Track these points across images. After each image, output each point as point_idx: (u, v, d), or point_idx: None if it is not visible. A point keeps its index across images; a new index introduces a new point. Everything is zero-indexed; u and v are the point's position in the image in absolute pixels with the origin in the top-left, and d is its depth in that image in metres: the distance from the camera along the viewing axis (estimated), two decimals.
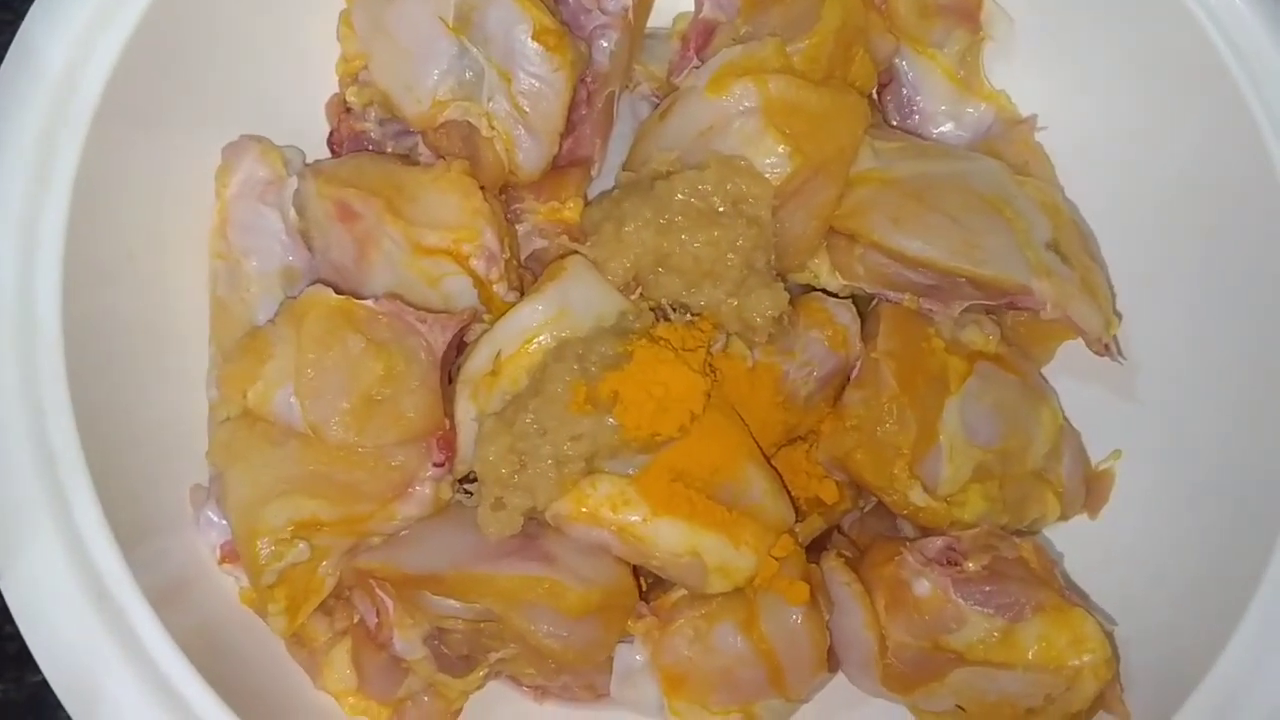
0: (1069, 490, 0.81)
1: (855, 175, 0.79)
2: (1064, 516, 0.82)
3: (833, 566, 0.74)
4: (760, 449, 0.73)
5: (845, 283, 0.79)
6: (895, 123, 0.89)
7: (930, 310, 0.78)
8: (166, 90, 0.77)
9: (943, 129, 0.89)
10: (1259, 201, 0.79)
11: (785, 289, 0.74)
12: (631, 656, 0.73)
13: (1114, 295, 0.81)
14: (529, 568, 0.69)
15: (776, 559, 0.72)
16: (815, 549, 0.78)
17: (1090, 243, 0.82)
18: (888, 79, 0.89)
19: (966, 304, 0.78)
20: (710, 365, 0.71)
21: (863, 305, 0.80)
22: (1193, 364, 0.82)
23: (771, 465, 0.74)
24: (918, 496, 0.75)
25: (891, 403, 0.75)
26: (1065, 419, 0.82)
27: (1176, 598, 0.77)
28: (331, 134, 0.86)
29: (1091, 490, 0.83)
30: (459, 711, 0.75)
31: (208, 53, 0.80)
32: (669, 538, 0.69)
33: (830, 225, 0.78)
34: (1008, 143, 0.87)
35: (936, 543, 0.73)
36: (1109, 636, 0.71)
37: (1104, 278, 0.80)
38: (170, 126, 0.78)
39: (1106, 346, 0.78)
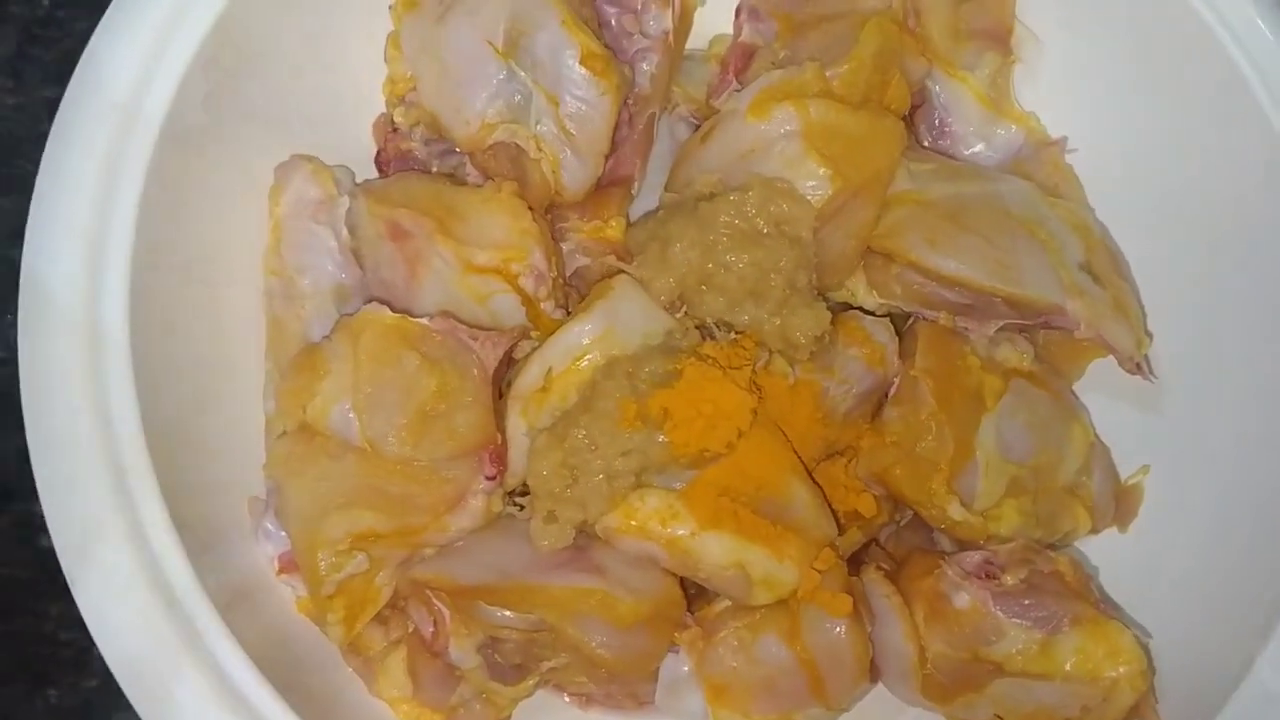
0: (1099, 504, 0.83)
1: (892, 196, 0.81)
2: (1094, 530, 0.83)
3: (873, 579, 0.76)
4: (804, 464, 0.75)
5: (882, 301, 0.81)
6: (927, 144, 0.91)
7: (965, 329, 0.80)
8: (225, 112, 0.79)
9: (974, 150, 0.90)
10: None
11: (827, 308, 0.76)
12: (677, 666, 0.75)
13: (1144, 315, 0.83)
14: (580, 579, 0.71)
15: (819, 571, 0.74)
16: (854, 562, 0.80)
17: (1120, 263, 0.84)
18: (920, 101, 0.91)
19: (1001, 323, 0.80)
20: (755, 383, 0.73)
21: (899, 323, 0.82)
22: (1217, 380, 0.84)
23: (814, 480, 0.76)
24: (955, 511, 0.76)
25: (930, 419, 0.77)
26: (1096, 435, 0.84)
27: (1207, 609, 0.79)
28: (379, 153, 0.88)
29: (1121, 504, 0.85)
30: (508, 718, 0.77)
31: (264, 75, 0.82)
32: (715, 551, 0.71)
33: (868, 245, 0.80)
34: (1038, 164, 0.89)
35: (974, 556, 0.75)
36: (1144, 648, 0.73)
37: (1135, 297, 0.82)
38: (228, 146, 0.80)
39: (1138, 365, 0.80)
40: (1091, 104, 0.90)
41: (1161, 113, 0.87)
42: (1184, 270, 0.86)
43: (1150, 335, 0.82)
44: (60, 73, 0.88)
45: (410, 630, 0.74)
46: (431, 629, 0.72)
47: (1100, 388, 0.87)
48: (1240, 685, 0.73)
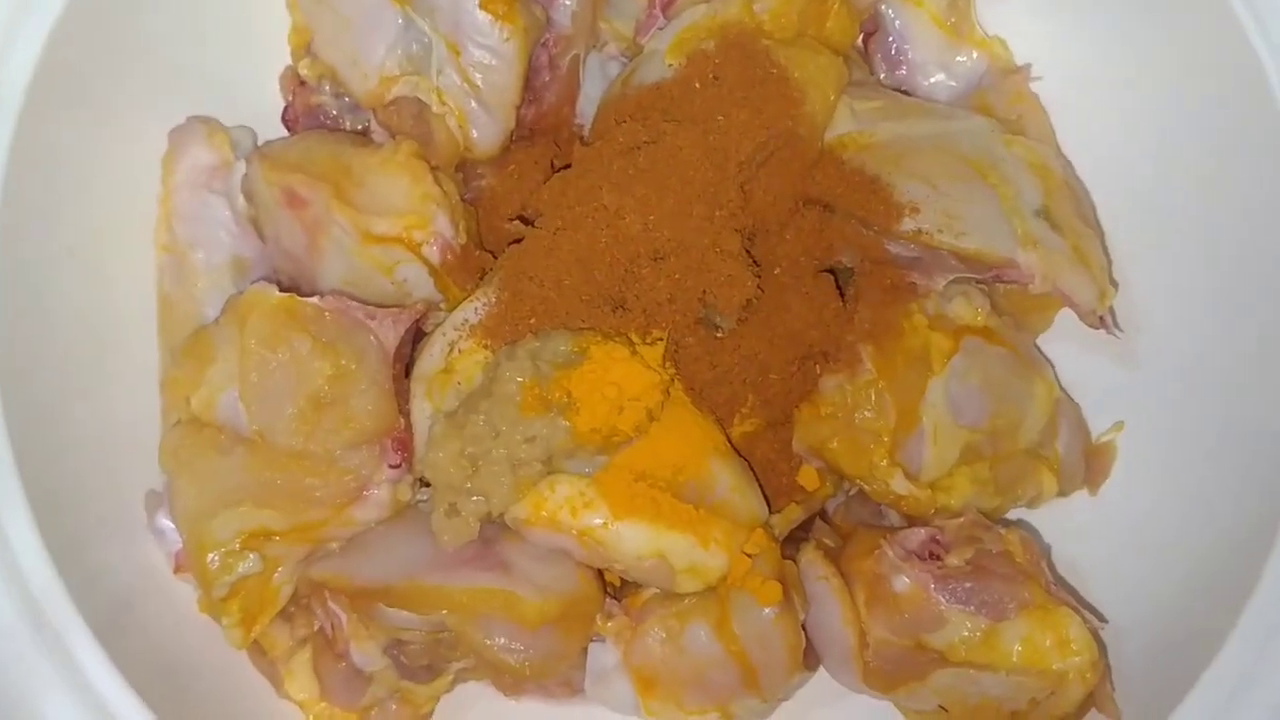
0: (1067, 466, 0.77)
1: (834, 139, 0.75)
2: (1062, 493, 0.77)
3: (810, 560, 0.71)
4: (729, 442, 0.69)
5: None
6: (883, 73, 0.83)
7: (914, 283, 0.74)
8: (103, 72, 0.74)
9: (934, 79, 0.83)
10: (1263, 148, 0.73)
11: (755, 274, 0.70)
12: (603, 656, 0.71)
13: (1110, 263, 0.76)
14: (484, 578, 0.66)
15: (749, 555, 0.69)
16: (798, 538, 0.75)
17: (1084, 206, 0.76)
18: (873, 28, 0.83)
19: (952, 276, 0.73)
20: (669, 360, 0.68)
21: (843, 280, 0.76)
22: (1198, 327, 0.78)
23: (742, 457, 0.70)
24: (899, 485, 0.71)
25: (869, 387, 0.70)
26: (1062, 391, 0.78)
27: (1179, 581, 0.74)
28: (286, 109, 0.82)
29: (1091, 465, 0.79)
30: (429, 714, 0.73)
31: (149, 29, 0.76)
32: (632, 541, 0.66)
33: (806, 193, 0.74)
34: (1000, 94, 0.81)
35: (919, 534, 0.70)
36: (1096, 637, 0.67)
37: (1099, 245, 0.75)
38: (111, 112, 0.75)
39: (1101, 319, 0.73)
40: (1071, 24, 0.82)
41: (1142, 36, 0.79)
42: (1162, 209, 0.79)
43: (1115, 285, 0.75)
44: None
45: (316, 629, 0.70)
46: (332, 631, 0.68)
47: (1070, 338, 0.80)
48: (1213, 661, 0.68)
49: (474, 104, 0.74)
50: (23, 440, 0.64)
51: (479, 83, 0.74)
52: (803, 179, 0.73)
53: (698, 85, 0.72)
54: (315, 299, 0.69)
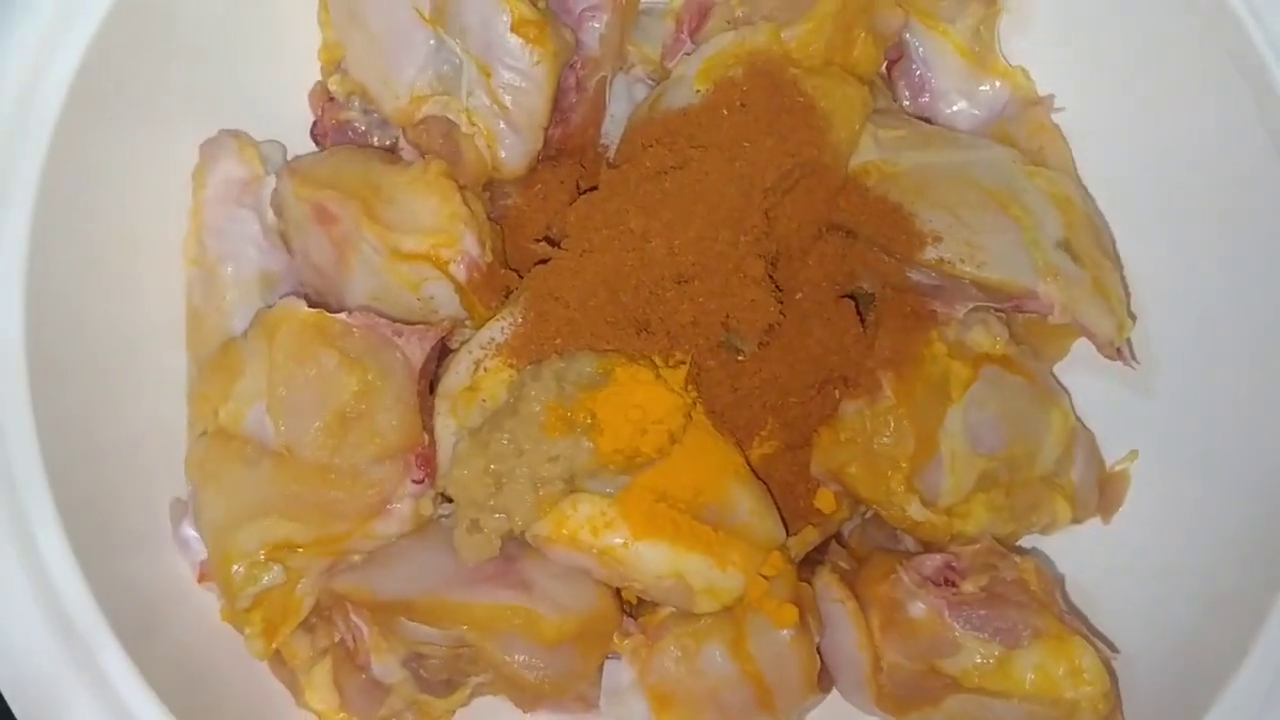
0: (1081, 494, 0.77)
1: (857, 167, 0.76)
2: (1076, 520, 0.78)
3: (826, 583, 0.72)
4: (748, 466, 0.70)
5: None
6: (907, 101, 0.84)
7: (934, 311, 0.74)
8: (138, 85, 0.74)
9: (956, 107, 0.84)
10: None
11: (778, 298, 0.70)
12: (619, 674, 0.71)
13: (1128, 295, 0.76)
14: (504, 595, 0.67)
15: (766, 577, 0.69)
16: (813, 561, 0.75)
17: (1105, 238, 0.77)
18: (897, 55, 0.84)
19: (972, 305, 0.74)
20: (692, 383, 0.68)
21: (865, 306, 0.76)
22: (1213, 358, 0.78)
23: (760, 480, 0.71)
24: (916, 511, 0.72)
25: (888, 414, 0.71)
26: (1078, 419, 0.78)
27: (1192, 609, 0.74)
28: (315, 124, 0.83)
29: (1105, 494, 0.79)
30: None
31: (182, 43, 0.77)
32: (651, 561, 0.67)
33: (830, 220, 0.75)
34: (1022, 124, 0.82)
35: (934, 560, 0.70)
36: (1108, 666, 0.68)
37: (1118, 277, 0.76)
38: (144, 124, 0.75)
39: (1119, 351, 0.74)
40: (1089, 56, 0.82)
41: (1164, 70, 0.79)
42: (1181, 242, 0.79)
43: (1134, 317, 0.76)
44: None
45: (336, 640, 0.71)
46: (352, 643, 0.68)
47: (1086, 367, 0.80)
48: (1225, 691, 0.68)
49: (503, 125, 0.75)
50: (53, 449, 0.65)
51: (508, 104, 0.75)
52: (827, 206, 0.73)
53: (725, 112, 0.72)
54: (343, 315, 0.70)
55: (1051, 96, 0.82)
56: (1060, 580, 0.77)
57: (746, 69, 0.73)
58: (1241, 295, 0.77)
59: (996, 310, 0.76)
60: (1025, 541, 0.79)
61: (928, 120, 0.83)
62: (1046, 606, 0.69)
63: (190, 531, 0.72)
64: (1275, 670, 0.68)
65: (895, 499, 0.71)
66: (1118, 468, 0.80)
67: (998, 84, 0.83)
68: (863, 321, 0.75)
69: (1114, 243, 0.78)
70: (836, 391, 0.73)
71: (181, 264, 0.76)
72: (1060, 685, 0.67)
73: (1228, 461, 0.76)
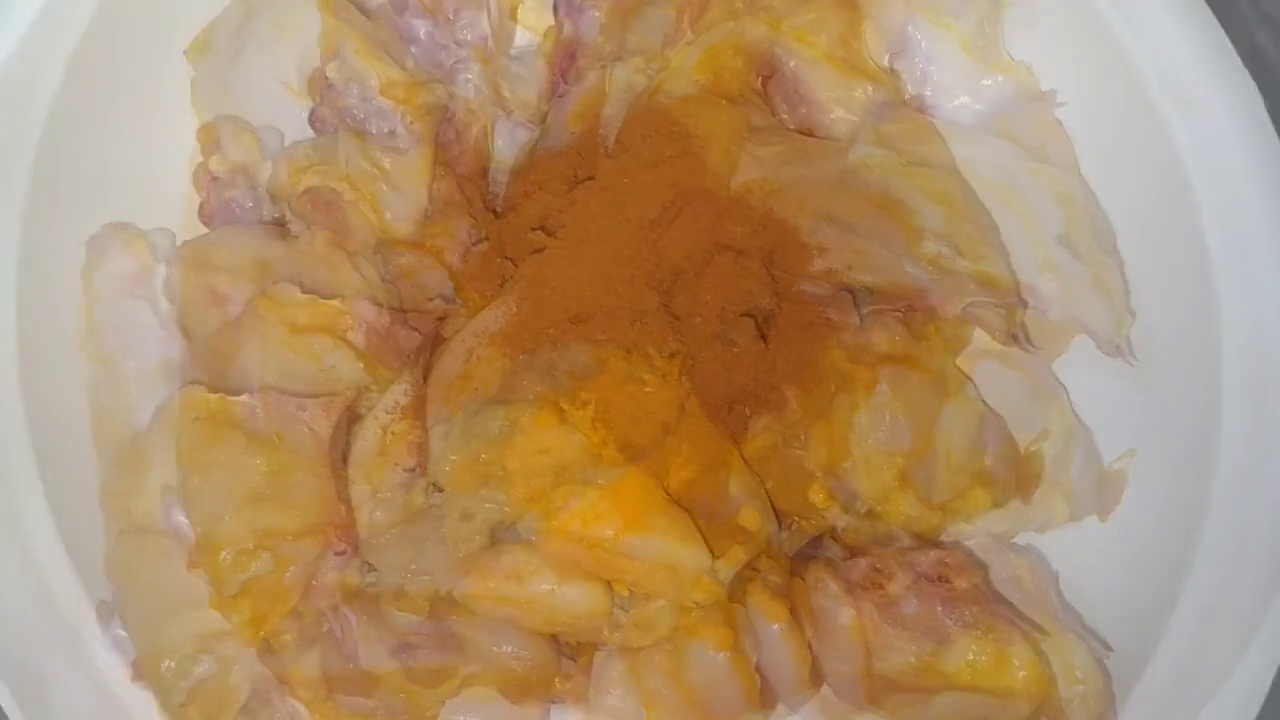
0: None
1: (739, 187, 0.76)
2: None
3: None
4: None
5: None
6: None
7: (830, 319, 0.75)
8: (20, 181, 0.74)
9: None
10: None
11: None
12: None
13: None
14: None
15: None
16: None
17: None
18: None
19: (868, 310, 0.75)
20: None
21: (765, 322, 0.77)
22: (1214, 358, 0.75)
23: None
24: (836, 518, 0.72)
25: (796, 427, 0.72)
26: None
27: (1187, 609, 0.73)
28: (201, 206, 0.83)
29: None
30: (434, 718, 0.72)
31: (61, 142, 0.76)
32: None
33: (719, 243, 0.75)
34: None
35: (860, 565, 0.71)
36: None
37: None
38: (26, 221, 0.75)
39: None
40: (1096, 52, 0.80)
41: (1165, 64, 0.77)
42: (1182, 239, 0.77)
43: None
44: None
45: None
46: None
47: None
48: (1220, 690, 0.69)
49: (384, 187, 0.76)
50: (42, 435, 0.68)
51: (387, 166, 0.75)
52: (714, 229, 0.74)
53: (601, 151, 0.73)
54: (245, 396, 0.70)
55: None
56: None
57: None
58: (1241, 293, 0.75)
59: (899, 311, 0.77)
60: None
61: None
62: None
63: (120, 631, 0.71)
64: (1272, 669, 0.69)
65: (815, 509, 0.72)
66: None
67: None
68: (764, 338, 0.76)
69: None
70: (746, 409, 0.74)
71: (80, 362, 0.76)
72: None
73: (1225, 459, 0.74)
